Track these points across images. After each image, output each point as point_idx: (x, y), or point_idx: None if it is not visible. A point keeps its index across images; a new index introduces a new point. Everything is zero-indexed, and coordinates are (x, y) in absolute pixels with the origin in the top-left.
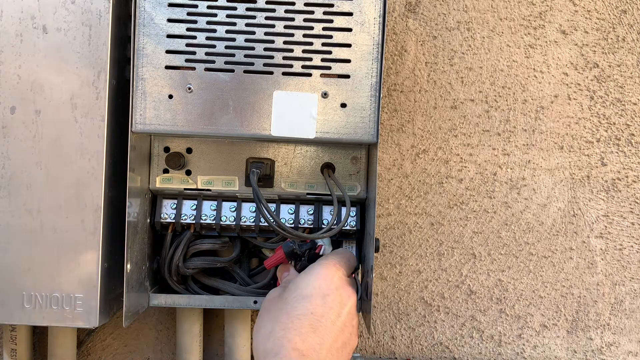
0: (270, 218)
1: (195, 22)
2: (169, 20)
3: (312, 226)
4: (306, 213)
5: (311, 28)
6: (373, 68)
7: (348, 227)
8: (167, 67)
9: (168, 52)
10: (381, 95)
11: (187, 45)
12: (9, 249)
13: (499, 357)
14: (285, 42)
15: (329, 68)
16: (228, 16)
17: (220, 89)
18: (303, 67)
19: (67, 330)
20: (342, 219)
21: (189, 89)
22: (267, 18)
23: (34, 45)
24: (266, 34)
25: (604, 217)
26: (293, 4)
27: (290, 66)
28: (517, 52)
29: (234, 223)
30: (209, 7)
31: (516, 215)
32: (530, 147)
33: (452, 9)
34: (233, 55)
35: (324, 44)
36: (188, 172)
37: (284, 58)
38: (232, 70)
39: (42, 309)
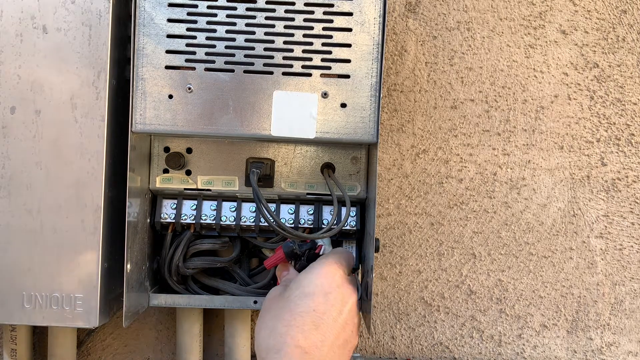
0: (270, 218)
1: (195, 22)
2: (169, 20)
3: (312, 226)
4: (306, 213)
5: (311, 28)
6: (373, 68)
7: (348, 227)
8: (167, 67)
9: (168, 52)
10: (381, 95)
11: (187, 45)
12: (9, 249)
13: (499, 357)
14: (285, 42)
15: (329, 68)
16: (228, 16)
17: (220, 89)
18: (303, 67)
19: (67, 330)
20: (342, 219)
21: (189, 89)
22: (267, 18)
23: (34, 45)
24: (266, 34)
25: (604, 217)
26: (293, 4)
27: (290, 66)
28: (517, 52)
29: (234, 223)
30: (209, 7)
31: (516, 215)
32: (530, 147)
33: (452, 9)
34: (233, 55)
35: (324, 44)
36: (188, 172)
37: (284, 58)
38: (232, 70)
39: (42, 309)
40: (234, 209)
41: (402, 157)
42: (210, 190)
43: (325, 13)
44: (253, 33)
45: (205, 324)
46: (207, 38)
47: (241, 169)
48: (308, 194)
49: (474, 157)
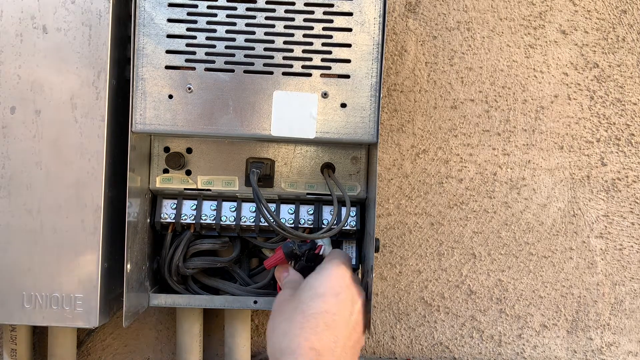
0: (270, 218)
1: (195, 22)
2: (169, 20)
3: (312, 226)
4: (306, 213)
5: (311, 28)
6: (373, 68)
7: (348, 227)
8: (167, 67)
9: (168, 52)
10: (381, 95)
11: (187, 45)
12: (9, 249)
13: (499, 357)
14: (285, 42)
15: (329, 68)
16: (228, 16)
17: (220, 89)
18: (303, 67)
19: (67, 330)
20: (342, 219)
21: (189, 89)
22: (267, 18)
23: (34, 45)
24: (266, 34)
25: (604, 217)
26: (293, 4)
27: (290, 66)
28: (517, 52)
29: (234, 223)
30: (209, 7)
31: (516, 215)
32: (530, 147)
33: (452, 9)
34: (233, 55)
35: (324, 44)
36: (188, 172)
37: (284, 58)
38: (232, 70)
39: (42, 309)
40: (234, 209)
41: (402, 157)
42: (210, 190)
43: (325, 13)
44: (253, 33)
45: (205, 324)
46: (207, 38)
47: (241, 169)
48: (308, 194)
49: (474, 157)
